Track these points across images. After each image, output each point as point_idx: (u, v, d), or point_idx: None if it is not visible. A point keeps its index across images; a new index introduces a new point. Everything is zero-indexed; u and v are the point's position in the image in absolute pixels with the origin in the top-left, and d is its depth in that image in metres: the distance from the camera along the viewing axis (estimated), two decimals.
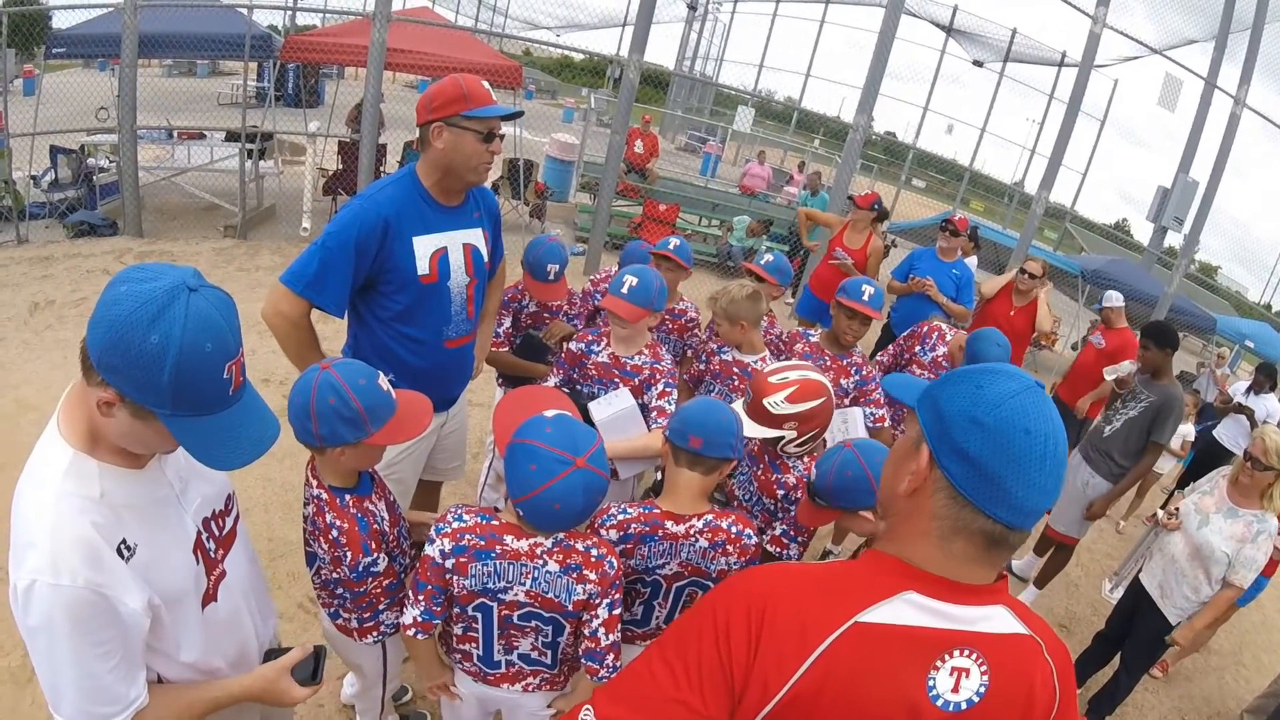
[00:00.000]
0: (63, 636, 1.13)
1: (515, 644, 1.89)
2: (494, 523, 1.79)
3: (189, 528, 1.36)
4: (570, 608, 1.80)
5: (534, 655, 1.92)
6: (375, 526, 1.92)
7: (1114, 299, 5.59)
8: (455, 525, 1.78)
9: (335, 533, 1.85)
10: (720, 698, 1.00)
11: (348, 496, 1.89)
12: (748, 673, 1.00)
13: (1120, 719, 3.89)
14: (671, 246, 3.56)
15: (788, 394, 2.27)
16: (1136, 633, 3.57)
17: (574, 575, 1.78)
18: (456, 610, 1.85)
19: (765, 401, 2.28)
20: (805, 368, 2.39)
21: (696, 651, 1.03)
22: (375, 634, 2.08)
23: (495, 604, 1.81)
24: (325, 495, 1.87)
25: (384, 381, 1.83)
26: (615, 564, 1.83)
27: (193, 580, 1.35)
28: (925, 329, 4.16)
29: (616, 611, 1.85)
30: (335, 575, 1.92)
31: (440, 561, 1.76)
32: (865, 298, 3.31)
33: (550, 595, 1.79)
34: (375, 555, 1.90)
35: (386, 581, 1.98)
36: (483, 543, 1.76)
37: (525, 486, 1.68)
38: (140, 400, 1.11)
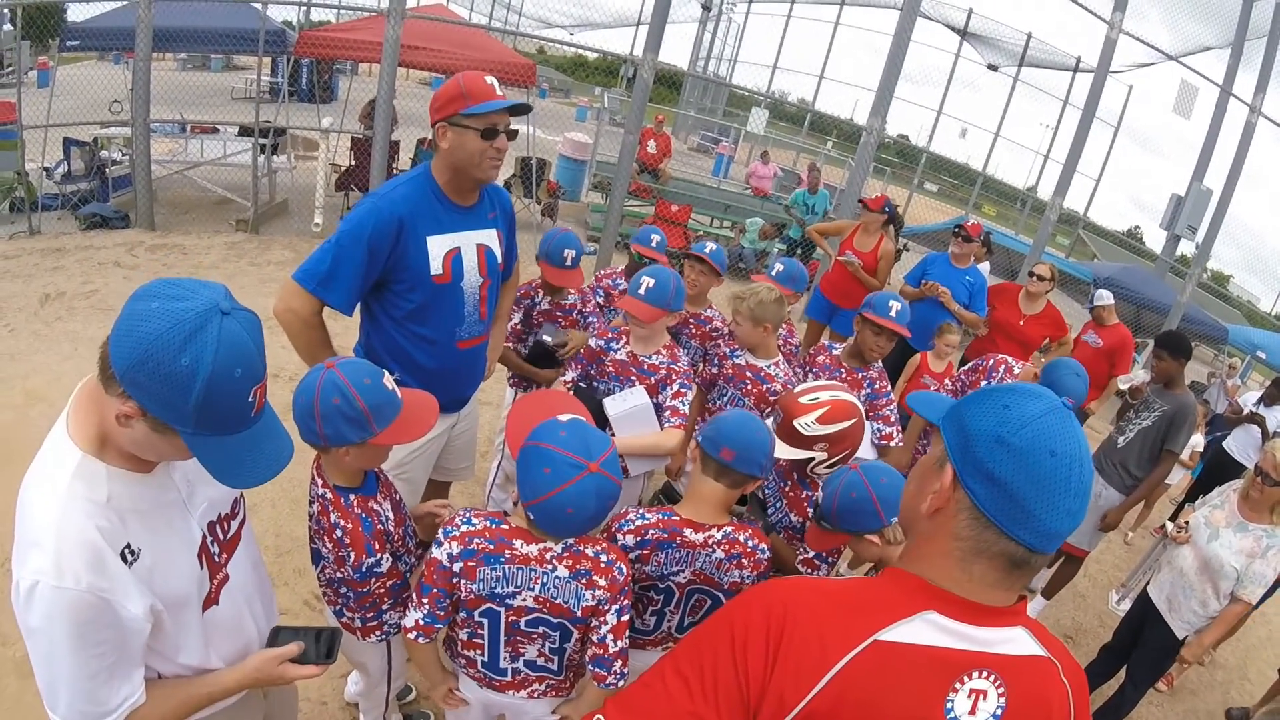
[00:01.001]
0: (62, 638, 1.14)
1: (521, 650, 1.88)
2: (503, 526, 1.78)
3: (194, 532, 1.36)
4: (579, 614, 1.79)
5: (540, 661, 1.91)
6: (379, 527, 1.92)
7: (1104, 297, 5.75)
8: (464, 529, 1.77)
9: (339, 532, 1.85)
10: (735, 712, 1.00)
11: (352, 496, 1.89)
12: (764, 687, 0.99)
13: None
14: (708, 250, 3.54)
15: (819, 415, 2.27)
16: (1143, 646, 3.54)
17: (583, 581, 1.77)
18: (463, 615, 1.84)
19: (796, 423, 2.28)
20: (835, 388, 2.38)
21: (712, 664, 1.02)
22: (379, 633, 2.08)
23: (502, 609, 1.79)
24: (330, 494, 1.87)
25: (389, 380, 1.82)
26: (624, 570, 1.82)
27: (196, 585, 1.35)
28: (990, 362, 4.08)
29: (625, 618, 1.84)
30: (339, 575, 1.92)
31: (448, 565, 1.75)
32: (893, 314, 3.28)
33: (559, 601, 1.78)
34: (379, 555, 1.90)
35: (391, 581, 1.98)
36: (492, 547, 1.75)
37: (538, 490, 1.67)
38: (163, 417, 1.11)
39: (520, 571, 1.76)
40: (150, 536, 1.24)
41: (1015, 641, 1.03)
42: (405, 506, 2.18)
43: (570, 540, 1.78)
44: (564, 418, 1.80)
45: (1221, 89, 10.83)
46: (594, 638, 1.83)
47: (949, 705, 0.98)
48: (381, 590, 1.98)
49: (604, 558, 1.79)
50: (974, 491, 0.99)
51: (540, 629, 1.83)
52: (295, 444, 1.78)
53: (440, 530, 1.80)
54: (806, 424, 2.27)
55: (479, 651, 1.89)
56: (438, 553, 1.76)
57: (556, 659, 1.91)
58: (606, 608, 1.81)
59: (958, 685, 0.98)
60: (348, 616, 2.05)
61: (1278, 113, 10.06)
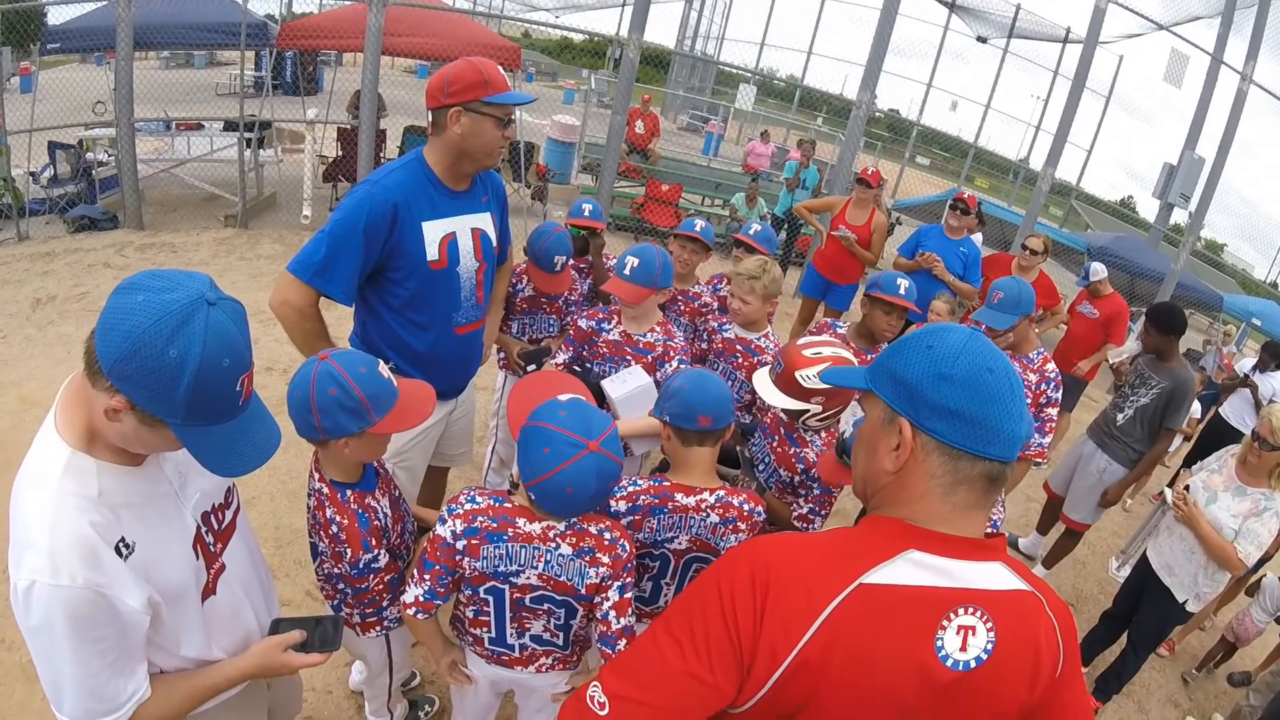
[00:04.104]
0: (62, 636, 1.13)
1: (527, 626, 1.88)
2: (506, 505, 1.78)
3: (189, 523, 1.36)
4: (583, 591, 1.80)
5: (546, 636, 1.91)
6: (376, 523, 1.90)
7: (1099, 271, 5.88)
8: (468, 506, 1.76)
9: (335, 528, 1.84)
10: (729, 669, 1.01)
11: (349, 492, 1.88)
12: (755, 641, 1.00)
13: (1127, 698, 3.90)
14: (698, 228, 3.52)
15: (820, 370, 2.25)
16: (1144, 611, 3.56)
17: (587, 559, 1.77)
18: (469, 593, 1.84)
19: (799, 374, 2.27)
20: (837, 345, 2.39)
21: (703, 624, 1.03)
22: (378, 629, 2.08)
23: (507, 587, 1.80)
24: (327, 490, 1.86)
25: (384, 369, 1.80)
26: (628, 547, 1.82)
27: (192, 575, 1.35)
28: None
29: (628, 595, 1.84)
30: (337, 570, 1.92)
31: (451, 542, 1.74)
32: (902, 291, 3.28)
33: (563, 578, 1.78)
34: (376, 551, 1.89)
35: (389, 576, 1.98)
36: (495, 525, 1.74)
37: (538, 470, 1.66)
38: (152, 410, 1.11)
39: (524, 549, 1.76)
40: (144, 529, 1.24)
41: (996, 577, 1.05)
42: (405, 503, 2.17)
43: (573, 518, 1.77)
44: (564, 397, 1.79)
45: (1212, 57, 10.75)
46: (598, 614, 1.84)
47: (939, 643, 1.00)
48: (380, 586, 1.97)
49: (607, 535, 1.79)
50: (937, 431, 1.02)
51: (545, 605, 1.84)
52: (291, 433, 1.78)
53: (444, 507, 1.79)
54: (807, 376, 2.26)
55: (485, 629, 1.90)
56: (441, 530, 1.75)
57: (562, 634, 1.92)
58: (609, 584, 1.81)
59: (945, 623, 1.00)
60: (346, 612, 2.04)
61: (1269, 80, 10.00)
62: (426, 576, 1.79)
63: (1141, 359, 4.35)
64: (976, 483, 1.03)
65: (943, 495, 1.04)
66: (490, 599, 1.83)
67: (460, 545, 1.74)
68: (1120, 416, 4.30)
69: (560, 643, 1.94)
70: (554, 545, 1.76)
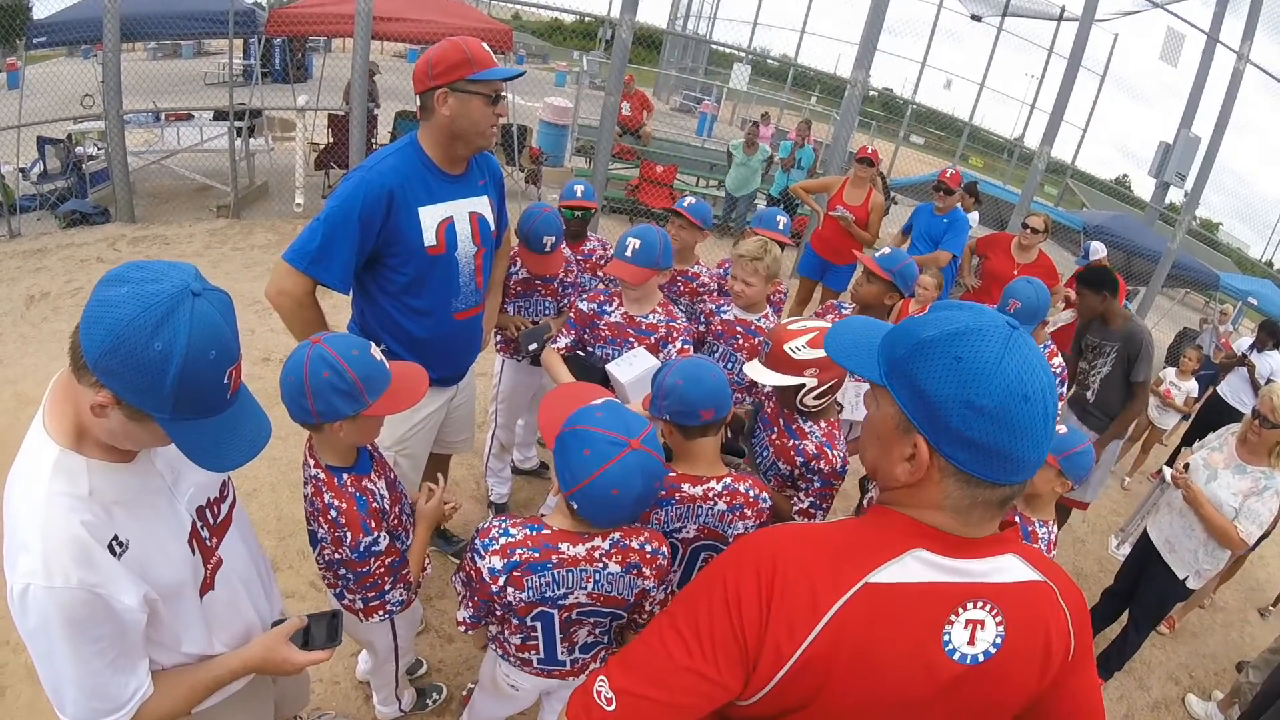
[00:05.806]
0: (60, 638, 1.12)
1: (576, 640, 1.88)
2: (545, 532, 1.73)
3: (183, 518, 1.34)
4: (631, 600, 1.80)
5: (591, 640, 1.92)
6: (374, 505, 1.89)
7: (1099, 250, 5.96)
8: (503, 541, 1.72)
9: (334, 513, 1.83)
10: (733, 665, 1.01)
11: (346, 475, 1.87)
12: (760, 639, 1.00)
13: (1128, 674, 3.93)
14: (686, 204, 3.46)
15: (809, 339, 2.21)
16: (1145, 589, 3.58)
17: (634, 573, 1.76)
18: (515, 622, 1.82)
19: (786, 346, 2.22)
20: (824, 320, 2.36)
21: (708, 620, 1.03)
22: (381, 613, 2.07)
23: (555, 610, 1.78)
24: (323, 475, 1.85)
25: (376, 351, 1.79)
26: (667, 554, 1.82)
27: (190, 571, 1.33)
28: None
29: (670, 591, 1.89)
30: (337, 556, 1.91)
31: (488, 579, 1.71)
32: (875, 255, 3.24)
33: (613, 594, 1.77)
34: (375, 534, 1.88)
35: (389, 559, 1.97)
36: (536, 555, 1.70)
37: (579, 474, 1.59)
38: (139, 405, 1.09)
39: (570, 574, 1.72)
40: (138, 526, 1.22)
41: (1008, 569, 1.03)
42: (401, 484, 2.16)
43: (616, 535, 1.74)
44: (598, 401, 1.76)
45: (1208, 36, 10.68)
46: (647, 606, 1.87)
47: (946, 638, 0.99)
48: (381, 569, 1.96)
49: (648, 548, 1.78)
50: (958, 459, 0.95)
51: (592, 619, 1.84)
52: (291, 424, 1.76)
53: (478, 541, 1.76)
54: (796, 347, 2.21)
55: (534, 651, 1.89)
56: (480, 564, 1.72)
57: (607, 635, 1.94)
58: (655, 594, 1.83)
59: (953, 618, 0.99)
60: (349, 598, 2.04)
61: (1265, 60, 9.93)
62: (469, 603, 1.86)
63: (1089, 331, 4.26)
64: (992, 504, 0.99)
65: (955, 514, 1.00)
66: (538, 625, 1.82)
67: (501, 581, 1.70)
68: (1089, 393, 4.25)
69: (606, 640, 1.95)
70: (601, 565, 1.73)
